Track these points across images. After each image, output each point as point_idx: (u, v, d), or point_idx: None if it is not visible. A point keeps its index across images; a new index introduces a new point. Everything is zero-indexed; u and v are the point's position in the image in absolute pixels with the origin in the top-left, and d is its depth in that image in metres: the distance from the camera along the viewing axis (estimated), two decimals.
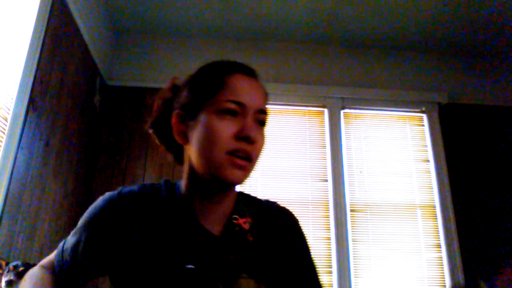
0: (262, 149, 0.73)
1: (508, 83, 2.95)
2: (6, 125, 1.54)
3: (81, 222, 0.76)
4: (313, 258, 0.82)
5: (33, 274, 0.77)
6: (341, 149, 2.68)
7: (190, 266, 0.66)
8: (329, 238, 2.49)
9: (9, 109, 1.56)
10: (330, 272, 2.42)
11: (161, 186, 0.78)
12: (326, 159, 2.66)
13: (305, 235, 0.83)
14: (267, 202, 0.84)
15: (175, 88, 0.81)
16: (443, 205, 2.60)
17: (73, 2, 2.03)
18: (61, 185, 2.03)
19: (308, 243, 0.83)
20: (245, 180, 0.71)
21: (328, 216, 2.54)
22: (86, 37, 2.25)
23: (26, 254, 1.67)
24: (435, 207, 2.62)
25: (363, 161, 2.70)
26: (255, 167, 0.72)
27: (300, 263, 0.79)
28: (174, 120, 0.75)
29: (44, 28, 1.75)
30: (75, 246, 0.73)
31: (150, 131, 0.83)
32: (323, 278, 2.40)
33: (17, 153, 1.57)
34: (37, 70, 1.70)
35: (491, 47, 2.93)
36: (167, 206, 0.74)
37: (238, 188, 0.78)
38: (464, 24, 2.70)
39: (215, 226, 0.73)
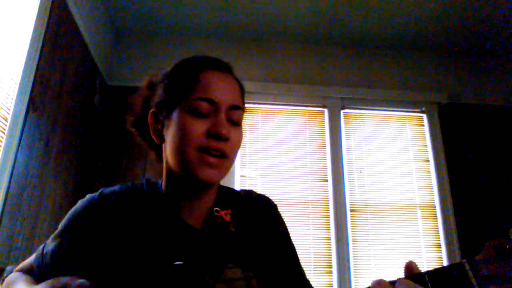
0: (239, 146, 0.72)
1: (508, 83, 2.95)
2: (6, 125, 1.53)
3: (61, 225, 0.74)
4: (293, 242, 0.83)
5: (15, 278, 0.74)
6: (341, 149, 2.68)
7: (178, 262, 0.66)
8: (329, 238, 2.49)
9: (9, 109, 1.55)
10: (330, 272, 2.42)
11: (142, 185, 0.77)
12: (326, 159, 2.66)
13: (284, 220, 0.84)
14: (244, 192, 0.84)
15: (152, 86, 0.81)
16: (443, 205, 2.60)
17: (73, 2, 2.03)
18: (61, 185, 2.03)
19: (287, 227, 0.83)
20: (221, 178, 0.70)
21: (328, 216, 2.54)
22: (86, 37, 2.25)
23: (26, 254, 1.66)
24: (435, 207, 2.62)
25: (363, 161, 2.69)
26: (231, 164, 0.72)
27: (282, 248, 0.80)
28: (150, 119, 0.75)
29: (44, 28, 1.75)
30: (56, 250, 0.71)
31: (132, 130, 0.83)
32: (323, 278, 2.41)
33: (17, 153, 1.57)
34: (37, 70, 1.70)
35: (491, 47, 2.93)
36: (149, 204, 0.73)
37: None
38: (464, 24, 2.69)
39: (198, 221, 0.73)
